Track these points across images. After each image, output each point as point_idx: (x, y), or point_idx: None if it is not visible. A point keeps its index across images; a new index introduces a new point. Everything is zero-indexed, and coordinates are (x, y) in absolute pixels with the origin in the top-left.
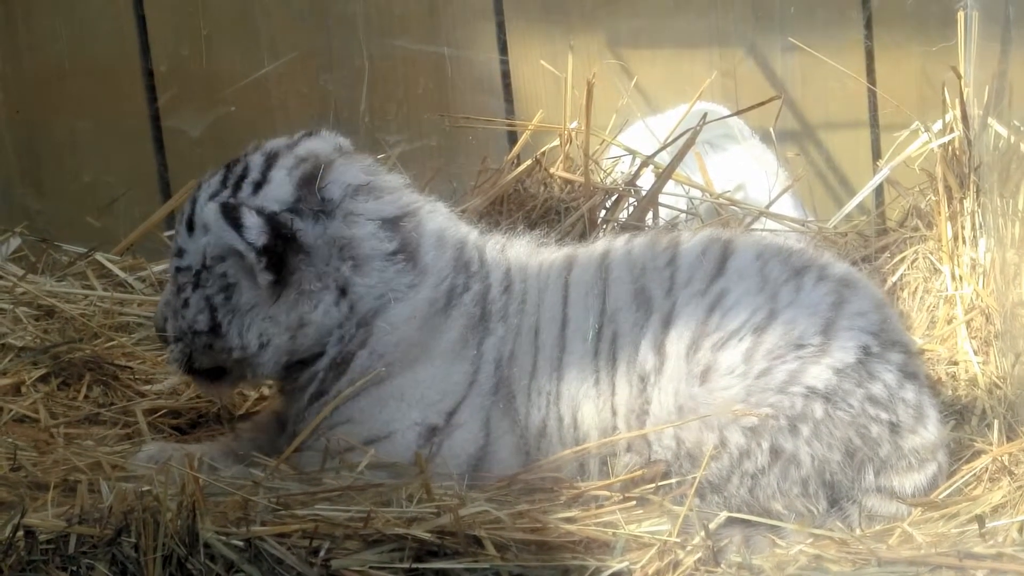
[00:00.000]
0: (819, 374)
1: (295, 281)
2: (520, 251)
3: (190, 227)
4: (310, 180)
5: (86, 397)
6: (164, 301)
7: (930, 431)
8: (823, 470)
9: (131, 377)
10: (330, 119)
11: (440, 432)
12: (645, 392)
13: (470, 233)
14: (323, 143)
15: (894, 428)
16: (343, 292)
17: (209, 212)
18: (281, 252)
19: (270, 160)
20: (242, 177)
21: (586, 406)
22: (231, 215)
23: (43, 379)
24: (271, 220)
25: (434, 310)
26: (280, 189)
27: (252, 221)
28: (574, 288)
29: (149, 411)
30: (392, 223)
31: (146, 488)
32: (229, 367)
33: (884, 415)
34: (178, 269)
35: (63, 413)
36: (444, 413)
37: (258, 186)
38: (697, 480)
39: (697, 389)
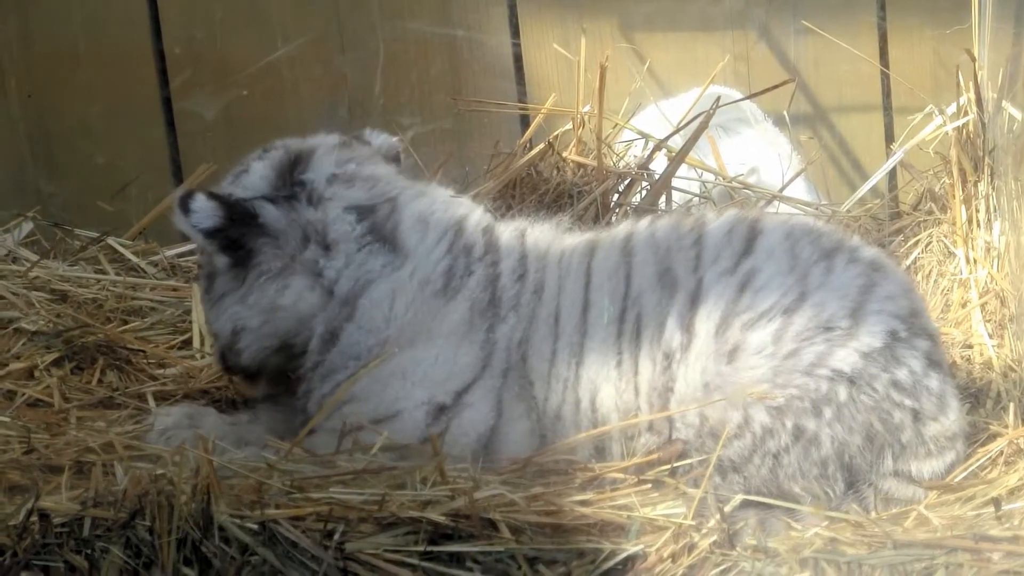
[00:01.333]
0: (846, 357)
1: (257, 264)
2: (541, 237)
3: None
4: (287, 168)
5: (99, 381)
6: None
7: (951, 420)
8: (843, 452)
9: (144, 361)
10: (345, 102)
11: (448, 411)
12: (670, 369)
13: (471, 216)
14: (326, 138)
15: (916, 415)
16: (317, 276)
17: (176, 202)
18: (240, 236)
19: (263, 152)
20: (235, 168)
21: (605, 388)
22: (183, 203)
23: (56, 363)
24: (225, 203)
25: (429, 291)
26: (255, 176)
27: (199, 205)
28: (597, 273)
29: (162, 395)
30: (364, 209)
31: (160, 471)
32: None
33: (908, 401)
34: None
35: (76, 397)
36: (452, 393)
37: (239, 175)
38: (714, 460)
39: (725, 367)
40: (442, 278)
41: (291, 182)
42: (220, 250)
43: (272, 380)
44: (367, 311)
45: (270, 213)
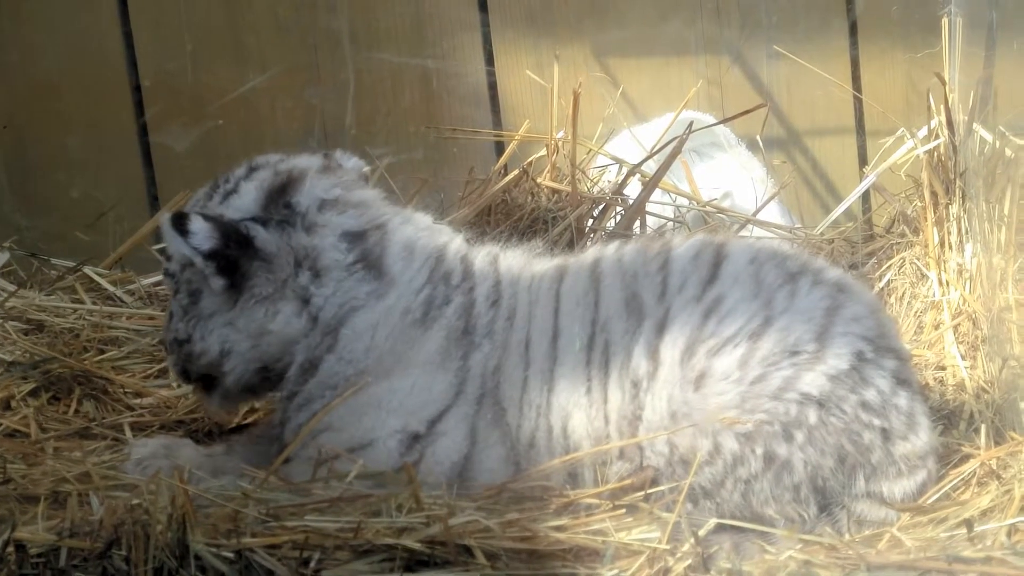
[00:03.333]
0: (813, 380)
1: (250, 287)
2: (513, 262)
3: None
4: (278, 191)
5: (76, 412)
6: (168, 314)
7: (921, 438)
8: (815, 476)
9: (121, 391)
10: (316, 132)
11: (423, 439)
12: (638, 398)
13: (451, 244)
14: (311, 159)
15: (886, 435)
16: (305, 302)
17: (164, 222)
18: (235, 258)
19: (249, 172)
20: (218, 188)
21: (577, 415)
22: (179, 223)
23: (33, 393)
24: (221, 225)
25: (409, 320)
26: (246, 198)
27: (197, 227)
28: (565, 299)
29: (138, 426)
30: (355, 236)
31: (136, 501)
32: (216, 377)
33: (877, 421)
34: (165, 273)
35: (53, 427)
36: (426, 421)
37: (228, 196)
38: (687, 486)
39: (691, 395)
40: (421, 307)
41: (282, 205)
42: (217, 272)
43: (233, 395)
44: (348, 342)
45: (264, 237)
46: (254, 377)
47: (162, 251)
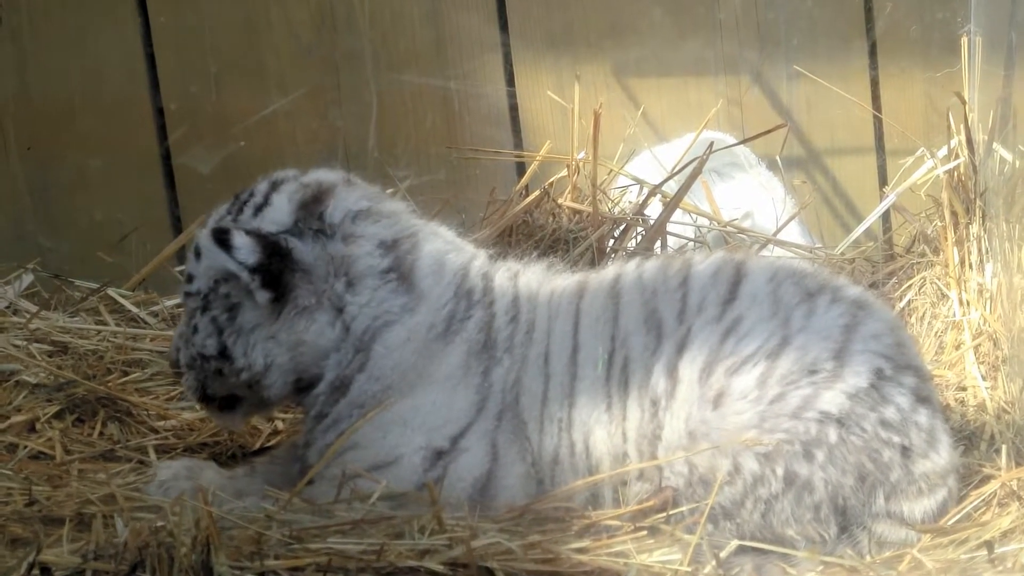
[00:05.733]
0: (833, 399)
1: (293, 298)
2: (532, 279)
3: (196, 253)
4: (310, 203)
5: (100, 434)
6: (178, 333)
7: (942, 456)
8: (836, 495)
9: (145, 413)
10: (339, 154)
11: (446, 456)
12: (657, 416)
13: (475, 259)
14: (331, 174)
15: (906, 452)
16: (339, 311)
17: (203, 237)
18: (278, 271)
19: (274, 186)
20: (245, 203)
21: (598, 432)
22: (221, 237)
23: (58, 415)
24: (263, 239)
25: (432, 335)
26: (279, 212)
27: (241, 241)
28: (585, 315)
29: (162, 448)
30: (389, 245)
31: (160, 523)
32: (241, 394)
33: (896, 439)
34: (187, 295)
35: (78, 450)
36: (449, 437)
37: (259, 209)
38: (708, 507)
39: (710, 414)
40: (444, 322)
41: (315, 217)
42: (263, 286)
43: (248, 412)
44: (379, 360)
45: (302, 248)
46: (289, 389)
47: (188, 276)
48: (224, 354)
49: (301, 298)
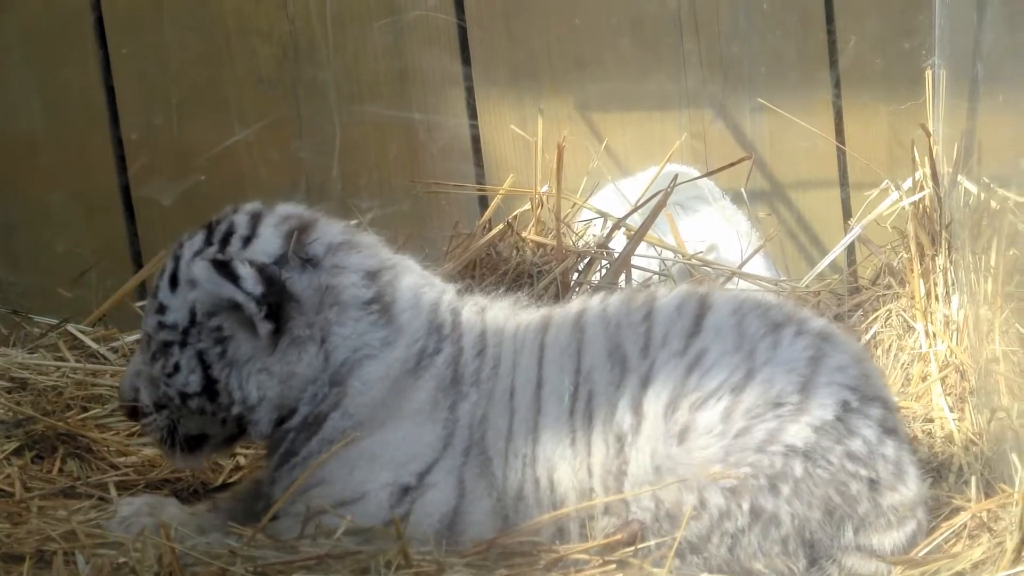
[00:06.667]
0: (798, 432)
1: (289, 329)
2: (499, 314)
3: (173, 283)
4: (295, 236)
5: (60, 471)
6: (133, 372)
7: (910, 488)
8: (803, 528)
9: (106, 449)
10: (302, 186)
11: (412, 492)
12: (623, 452)
13: (444, 294)
14: (296, 208)
15: (873, 485)
16: (323, 341)
17: (199, 267)
18: (276, 302)
19: (255, 218)
20: (229, 234)
21: (562, 467)
22: (225, 268)
23: (16, 452)
24: (263, 271)
25: (404, 370)
26: (268, 243)
27: (246, 272)
28: (549, 349)
29: (123, 485)
30: (373, 275)
31: (123, 559)
32: (212, 432)
33: (863, 471)
34: (160, 327)
35: (38, 486)
36: (416, 474)
37: (247, 241)
38: (676, 542)
39: (675, 449)
40: (415, 357)
41: (302, 248)
42: (266, 317)
43: (213, 450)
44: (356, 396)
45: (295, 280)
46: (273, 425)
47: (160, 307)
48: (210, 390)
49: (296, 329)
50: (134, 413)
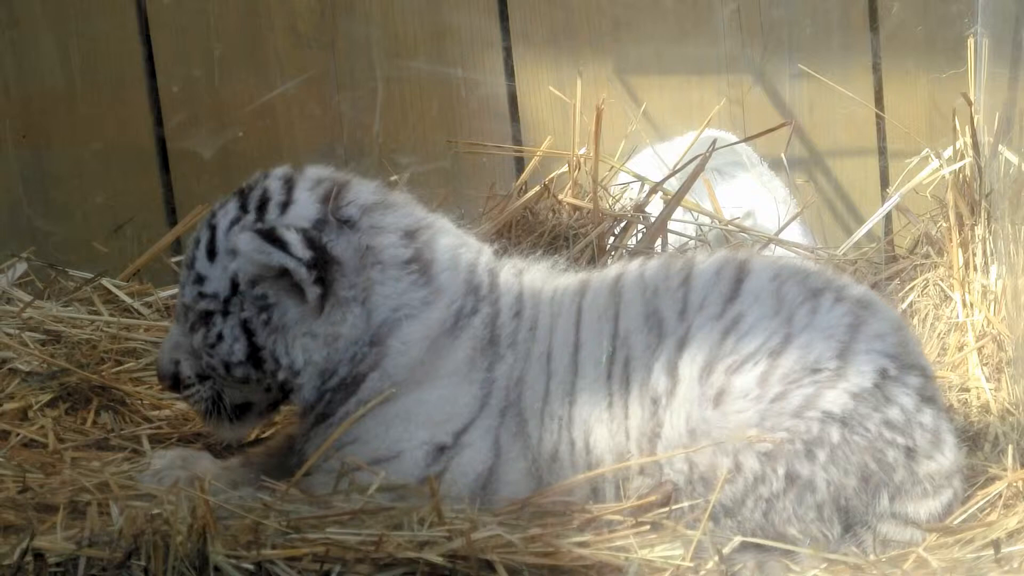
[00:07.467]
0: (835, 399)
1: (334, 292)
2: (536, 276)
3: (211, 254)
4: (332, 198)
5: (94, 423)
6: (171, 345)
7: (947, 456)
8: (838, 495)
9: (139, 402)
10: (342, 141)
11: (448, 451)
12: (657, 415)
13: (481, 254)
14: (325, 170)
15: (910, 453)
16: (364, 302)
17: (244, 238)
18: (322, 265)
19: (289, 183)
20: (265, 200)
21: (599, 430)
22: (271, 236)
23: (51, 404)
24: (307, 235)
25: (442, 331)
26: (306, 208)
27: (294, 238)
28: (587, 312)
29: (156, 438)
30: (411, 234)
31: (156, 511)
32: (255, 400)
33: (900, 439)
34: (200, 297)
35: (71, 438)
36: (452, 433)
37: (284, 207)
38: (711, 506)
39: (710, 412)
40: (453, 317)
41: (338, 210)
42: (315, 281)
43: (257, 419)
44: (395, 357)
45: (336, 242)
46: (318, 390)
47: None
48: (253, 357)
49: (340, 291)
50: (175, 385)
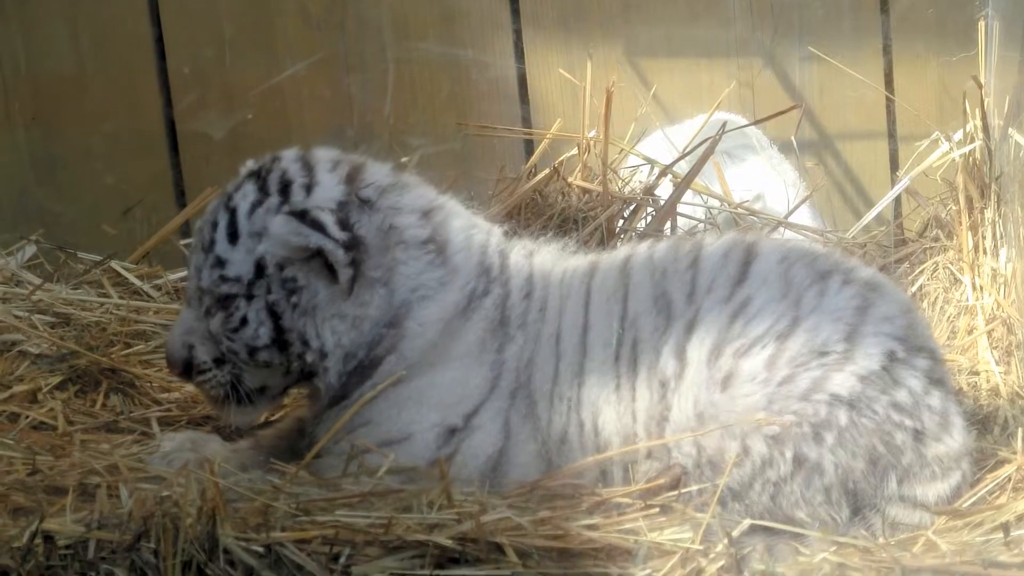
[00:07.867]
0: (843, 381)
1: (363, 272)
2: (547, 258)
3: (233, 237)
4: (352, 179)
5: (103, 405)
6: (183, 330)
7: (955, 439)
8: (847, 478)
9: (148, 385)
10: (352, 123)
11: (459, 433)
12: (665, 398)
13: (491, 236)
14: (335, 151)
15: (918, 435)
16: (387, 282)
17: (278, 220)
18: (354, 246)
19: (308, 165)
20: (287, 183)
21: (607, 412)
22: (307, 220)
23: (60, 386)
24: (338, 217)
25: (456, 312)
26: (330, 189)
27: (329, 219)
28: (596, 294)
29: (165, 420)
30: (426, 213)
31: (166, 494)
32: (272, 384)
33: (908, 422)
34: (223, 279)
35: (80, 420)
36: (463, 415)
37: (309, 189)
38: (720, 489)
39: (718, 396)
40: (466, 299)
41: (358, 191)
42: (349, 263)
43: (270, 404)
44: (412, 339)
45: (361, 223)
46: (343, 374)
47: (218, 261)
48: (279, 341)
49: (369, 271)
50: (187, 371)
